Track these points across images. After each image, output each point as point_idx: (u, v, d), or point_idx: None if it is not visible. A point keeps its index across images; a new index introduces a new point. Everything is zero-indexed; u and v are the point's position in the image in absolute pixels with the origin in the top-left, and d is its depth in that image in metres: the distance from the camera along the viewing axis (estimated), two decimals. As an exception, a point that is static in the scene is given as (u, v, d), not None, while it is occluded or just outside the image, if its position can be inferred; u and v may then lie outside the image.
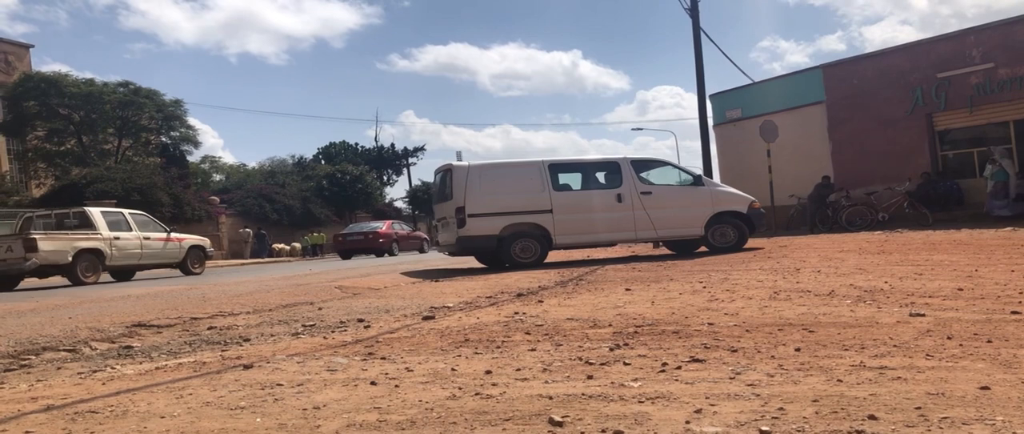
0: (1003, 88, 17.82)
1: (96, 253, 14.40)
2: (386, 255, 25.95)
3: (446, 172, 11.69)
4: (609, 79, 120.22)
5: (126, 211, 16.55)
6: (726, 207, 11.81)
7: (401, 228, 30.45)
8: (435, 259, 17.15)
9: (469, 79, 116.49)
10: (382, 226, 28.52)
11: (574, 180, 12.06)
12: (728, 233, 11.76)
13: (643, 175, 11.84)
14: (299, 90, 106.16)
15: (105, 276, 14.96)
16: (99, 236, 14.63)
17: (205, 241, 18.04)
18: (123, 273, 15.97)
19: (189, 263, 16.59)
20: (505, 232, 11.16)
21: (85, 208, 15.65)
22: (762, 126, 20.08)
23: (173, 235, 16.59)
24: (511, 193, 11.33)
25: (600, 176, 12.05)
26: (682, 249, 12.29)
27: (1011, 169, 16.63)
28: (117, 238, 14.97)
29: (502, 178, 11.51)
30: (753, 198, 12.30)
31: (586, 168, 12.40)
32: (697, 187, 11.97)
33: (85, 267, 14.07)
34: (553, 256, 12.33)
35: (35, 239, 13.35)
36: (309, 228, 37.99)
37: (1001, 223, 14.18)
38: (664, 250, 13.28)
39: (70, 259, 13.79)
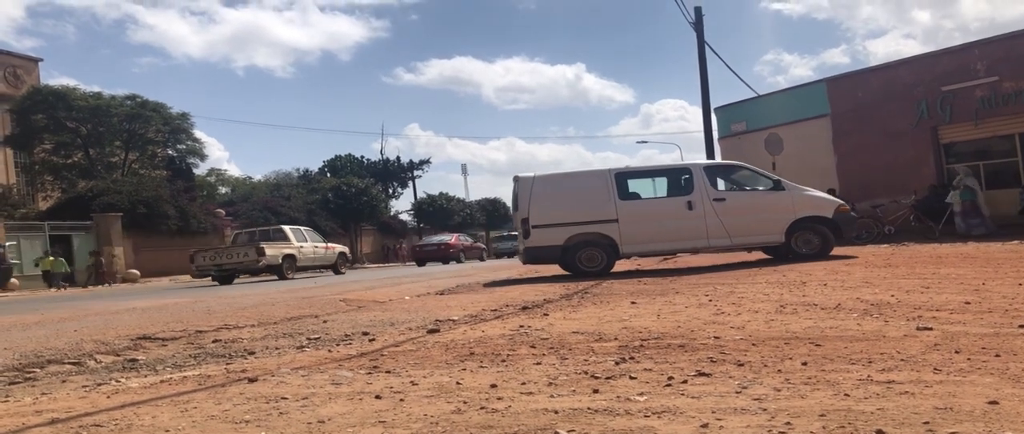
0: (1008, 101, 17.80)
1: (293, 257, 20.55)
2: (453, 262, 30.18)
3: (516, 183, 11.78)
4: (613, 92, 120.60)
5: (302, 228, 23.17)
6: (809, 212, 11.32)
7: (465, 240, 35.68)
8: (504, 266, 19.16)
9: (474, 92, 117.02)
10: (451, 238, 33.38)
11: (642, 188, 11.91)
12: (812, 240, 11.28)
13: (717, 181, 11.55)
14: (305, 103, 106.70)
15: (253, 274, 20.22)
16: (293, 246, 20.87)
17: (345, 248, 25.04)
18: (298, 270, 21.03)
19: (338, 265, 22.61)
20: (570, 242, 11.17)
21: (281, 226, 22.85)
22: (767, 139, 20.08)
23: (329, 244, 23.22)
24: (574, 204, 11.34)
25: (670, 183, 11.87)
26: (780, 254, 11.70)
27: (977, 186, 16.73)
28: (302, 247, 21.24)
29: (565, 189, 11.54)
30: (841, 201, 11.83)
31: (655, 176, 12.23)
32: (776, 192, 11.43)
33: (287, 267, 20.05)
34: (627, 264, 12.33)
35: (264, 248, 19.46)
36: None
37: (1010, 236, 14.11)
38: (758, 255, 12.78)
39: (280, 261, 19.79)
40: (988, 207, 16.88)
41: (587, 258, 11.19)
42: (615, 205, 11.23)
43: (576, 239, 11.17)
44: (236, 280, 20.03)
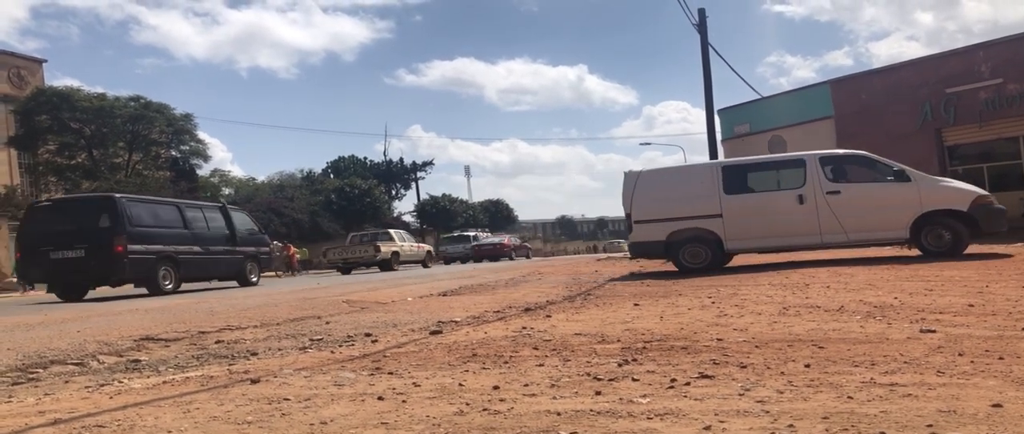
0: (1012, 103, 17.78)
1: (397, 253, 25.65)
2: (504, 259, 35.02)
3: (625, 178, 11.59)
4: (616, 94, 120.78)
5: (402, 231, 30.68)
6: (940, 205, 10.30)
7: (514, 241, 42.24)
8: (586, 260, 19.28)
9: (476, 94, 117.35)
10: (504, 239, 39.93)
11: (751, 182, 11.42)
12: (942, 236, 10.25)
13: (831, 173, 10.80)
14: (308, 104, 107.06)
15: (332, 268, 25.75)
16: (397, 244, 26.19)
17: (430, 248, 31.46)
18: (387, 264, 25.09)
19: (425, 260, 27.97)
20: (672, 237, 10.96)
21: (388, 230, 29.36)
22: (771, 141, 20.08)
23: (420, 244, 29.86)
24: (678, 199, 11.10)
25: (781, 177, 11.43)
26: (952, 250, 10.22)
27: None
28: (403, 246, 26.70)
29: (669, 183, 11.35)
30: (981, 191, 10.73)
31: (765, 168, 11.82)
32: (900, 183, 10.50)
33: (394, 261, 25.07)
34: (744, 259, 12.01)
35: (379, 246, 25.03)
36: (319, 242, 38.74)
37: (1012, 238, 14.07)
38: (913, 251, 11.35)
39: (389, 256, 24.91)
40: None
41: (691, 254, 10.93)
42: (720, 199, 10.85)
43: (679, 235, 10.92)
44: (353, 271, 25.06)
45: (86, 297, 13.56)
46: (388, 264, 24.71)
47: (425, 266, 27.14)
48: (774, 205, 10.90)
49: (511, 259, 34.95)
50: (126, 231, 13.04)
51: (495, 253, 35.91)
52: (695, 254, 10.93)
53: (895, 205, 10.42)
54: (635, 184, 11.27)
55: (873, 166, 11.03)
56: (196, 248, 14.74)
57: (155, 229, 13.85)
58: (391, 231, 28.07)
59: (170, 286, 13.72)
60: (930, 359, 3.26)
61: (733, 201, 10.91)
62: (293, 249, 29.46)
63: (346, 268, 25.15)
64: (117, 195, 14.44)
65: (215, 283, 16.38)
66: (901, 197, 10.43)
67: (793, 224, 10.68)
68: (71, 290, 13.60)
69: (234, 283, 16.00)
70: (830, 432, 2.21)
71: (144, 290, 13.68)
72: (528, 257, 39.11)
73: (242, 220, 16.96)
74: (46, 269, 13.48)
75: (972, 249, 11.81)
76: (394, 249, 25.53)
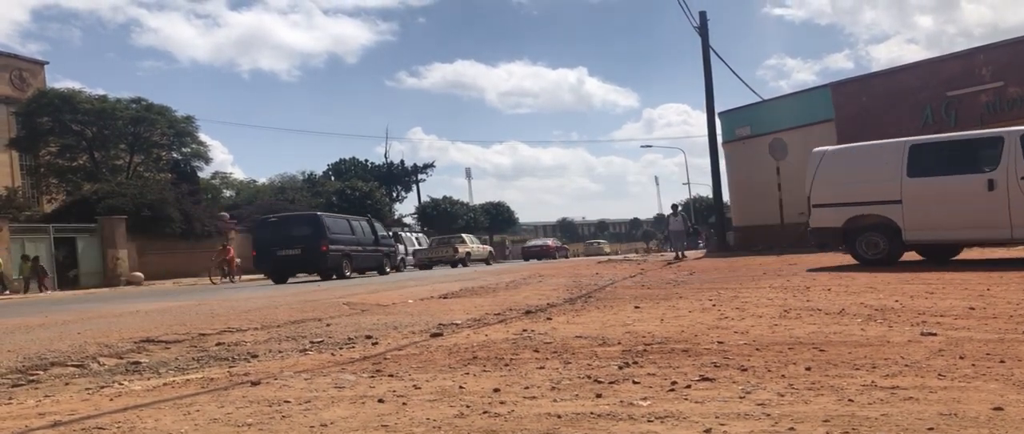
0: (1013, 106, 17.78)
1: (470, 253, 32.05)
2: (548, 259, 38.81)
3: (810, 158, 10.89)
4: (617, 96, 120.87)
5: (471, 235, 36.88)
6: None
7: (557, 242, 49.59)
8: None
9: (477, 96, 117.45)
10: (550, 241, 48.12)
11: (939, 164, 9.88)
12: None
13: None
14: (310, 107, 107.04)
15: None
16: (469, 246, 32.97)
17: (491, 248, 37.99)
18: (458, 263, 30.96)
19: (488, 259, 33.91)
20: (849, 224, 10.11)
21: (461, 234, 36.20)
22: (771, 144, 20.05)
23: (483, 245, 36.38)
24: (857, 181, 10.15)
25: (970, 157, 9.80)
26: None
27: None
28: (473, 246, 33.42)
29: (852, 164, 10.38)
30: None
31: (957, 148, 10.02)
32: None
33: (466, 260, 31.19)
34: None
35: (457, 247, 31.61)
36: None
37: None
38: None
39: (464, 255, 31.19)
40: None
41: (868, 244, 10.07)
42: (901, 183, 9.72)
43: (857, 221, 10.07)
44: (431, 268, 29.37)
45: (288, 282, 19.10)
46: (465, 261, 30.92)
47: (488, 263, 32.58)
48: (958, 191, 9.49)
49: (553, 259, 39.54)
50: (326, 237, 19.31)
51: (542, 253, 42.27)
52: (872, 244, 10.06)
53: None
54: (818, 164, 10.50)
55: None
56: (358, 248, 21.21)
57: (340, 235, 20.20)
58: (463, 235, 35.18)
59: (349, 274, 19.92)
60: (931, 362, 3.26)
61: (914, 185, 9.71)
62: (232, 250, 26.76)
63: (429, 265, 30.83)
64: (319, 213, 21.97)
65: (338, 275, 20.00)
66: None
67: (977, 214, 9.34)
68: (283, 277, 19.80)
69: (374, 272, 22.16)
70: (831, 435, 2.20)
71: (317, 276, 20.13)
72: (567, 257, 44.16)
73: (379, 228, 24.03)
74: (273, 263, 19.69)
75: (973, 253, 11.80)
76: (467, 250, 32.31)
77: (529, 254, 42.97)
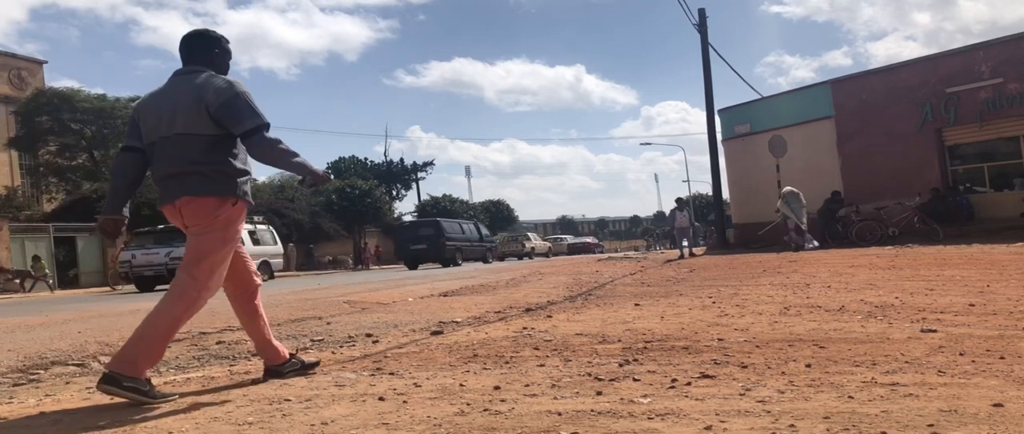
0: (1013, 103, 17.78)
1: (534, 248, 41.10)
2: (587, 254, 41.78)
3: None
4: (616, 94, 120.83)
5: (532, 233, 50.56)
6: None
7: (594, 240, 56.73)
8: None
9: (475, 94, 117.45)
10: (590, 239, 56.23)
11: None
12: None
13: None
14: (309, 105, 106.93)
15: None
16: (533, 242, 42.70)
17: (550, 243, 46.51)
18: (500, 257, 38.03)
19: (547, 253, 40.48)
20: None
21: (527, 233, 49.38)
22: (771, 141, 20.05)
23: (544, 241, 45.77)
24: None
25: None
26: None
27: (790, 211, 17.88)
28: (537, 242, 42.77)
29: None
30: None
31: None
32: None
33: (532, 254, 38.72)
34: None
35: (524, 242, 41.73)
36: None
37: (1012, 238, 14.07)
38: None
39: (530, 249, 39.69)
40: (979, 209, 17.87)
41: None
42: None
43: None
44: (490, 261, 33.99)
45: (418, 268, 25.87)
46: (531, 255, 38.51)
47: (547, 256, 39.28)
48: None
49: (591, 253, 43.65)
50: (445, 236, 27.19)
51: (584, 249, 48.04)
52: None
53: None
54: None
55: None
56: (467, 243, 29.04)
57: (454, 234, 28.07)
58: (528, 233, 45.03)
59: (460, 262, 27.20)
60: (931, 359, 3.26)
61: None
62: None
63: (502, 257, 36.02)
64: (439, 218, 30.46)
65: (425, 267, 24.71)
66: None
67: None
68: (414, 265, 27.21)
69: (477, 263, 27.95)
70: (831, 432, 2.21)
71: (438, 265, 26.67)
72: (601, 252, 48.49)
73: (483, 229, 32.42)
74: (408, 254, 27.64)
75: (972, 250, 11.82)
76: (532, 245, 40.87)
77: (574, 249, 49.57)
